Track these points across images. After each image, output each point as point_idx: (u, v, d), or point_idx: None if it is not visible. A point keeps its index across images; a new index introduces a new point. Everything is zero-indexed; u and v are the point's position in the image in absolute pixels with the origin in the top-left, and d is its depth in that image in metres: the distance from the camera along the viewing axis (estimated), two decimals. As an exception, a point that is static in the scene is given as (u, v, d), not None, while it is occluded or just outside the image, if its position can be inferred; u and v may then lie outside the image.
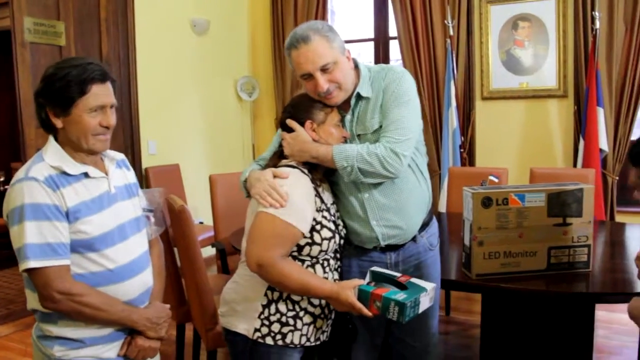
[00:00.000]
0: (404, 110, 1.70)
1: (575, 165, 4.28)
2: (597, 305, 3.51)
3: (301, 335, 1.66)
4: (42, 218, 1.42)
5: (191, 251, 2.40)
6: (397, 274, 1.63)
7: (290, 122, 1.72)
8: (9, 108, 5.43)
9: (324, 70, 1.67)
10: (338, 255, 1.76)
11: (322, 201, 1.66)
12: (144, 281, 1.63)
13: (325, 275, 1.67)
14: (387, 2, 5.01)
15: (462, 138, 4.56)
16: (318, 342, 1.72)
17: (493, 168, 3.61)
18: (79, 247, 1.48)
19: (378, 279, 1.63)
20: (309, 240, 1.61)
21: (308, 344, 1.68)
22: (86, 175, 1.52)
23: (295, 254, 1.63)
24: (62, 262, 1.44)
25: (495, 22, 4.58)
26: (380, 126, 1.73)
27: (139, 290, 1.60)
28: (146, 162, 4.45)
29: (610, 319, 3.45)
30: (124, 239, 1.57)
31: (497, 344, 2.36)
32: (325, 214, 1.65)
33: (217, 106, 5.23)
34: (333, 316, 1.75)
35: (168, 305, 1.71)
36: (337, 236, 1.68)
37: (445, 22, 4.55)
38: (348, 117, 1.78)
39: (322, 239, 1.62)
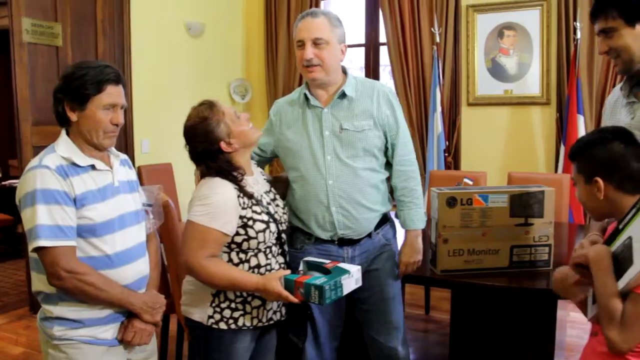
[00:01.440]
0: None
1: (556, 170, 4.39)
2: (573, 307, 3.60)
3: (252, 317, 1.77)
4: (53, 202, 1.55)
5: (175, 246, 2.51)
6: (327, 261, 1.75)
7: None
8: (6, 107, 5.53)
9: (315, 43, 1.85)
10: (282, 240, 1.85)
11: (250, 197, 1.75)
12: (139, 269, 1.75)
13: (269, 261, 1.78)
14: (378, 9, 5.12)
15: (447, 143, 4.68)
16: (271, 322, 1.83)
17: (473, 172, 3.73)
18: (83, 231, 1.61)
19: (311, 267, 1.75)
20: (245, 237, 1.73)
21: (260, 324, 1.79)
22: (93, 167, 1.66)
23: (237, 249, 1.74)
24: (69, 243, 1.57)
25: (482, 31, 4.70)
26: (370, 129, 1.91)
27: (134, 277, 1.72)
28: (139, 161, 4.55)
29: (583, 320, 3.54)
30: (122, 227, 1.70)
31: (466, 337, 2.47)
32: (255, 207, 1.75)
33: (211, 108, 5.32)
34: None
35: (163, 295, 1.82)
36: (272, 225, 1.77)
37: (432, 29, 4.67)
38: (325, 110, 1.92)
39: (257, 232, 1.73)
